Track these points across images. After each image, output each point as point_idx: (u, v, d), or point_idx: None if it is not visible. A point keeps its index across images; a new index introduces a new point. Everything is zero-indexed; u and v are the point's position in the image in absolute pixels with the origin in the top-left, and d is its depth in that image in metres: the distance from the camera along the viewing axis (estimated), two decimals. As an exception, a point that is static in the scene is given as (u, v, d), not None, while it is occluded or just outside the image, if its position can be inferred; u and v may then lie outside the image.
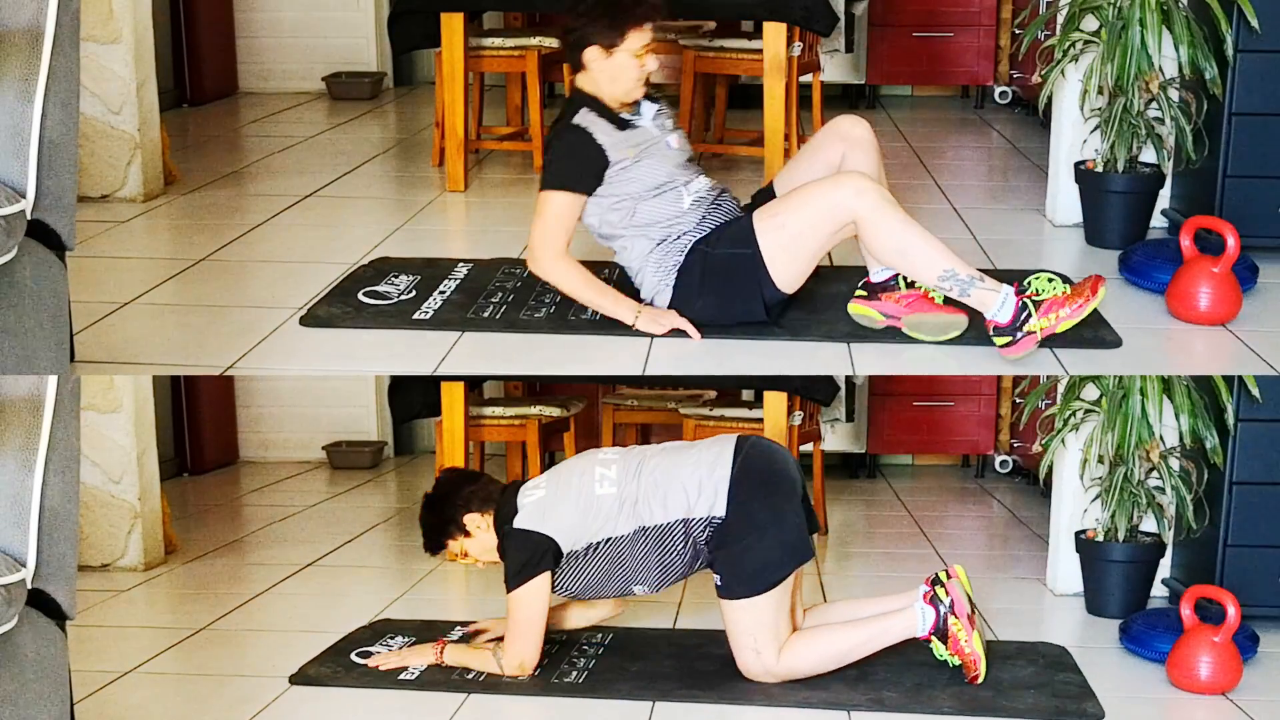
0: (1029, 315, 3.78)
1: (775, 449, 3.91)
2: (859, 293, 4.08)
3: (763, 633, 3.80)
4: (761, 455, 3.84)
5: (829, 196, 3.83)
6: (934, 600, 3.81)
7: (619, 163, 3.94)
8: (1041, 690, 3.85)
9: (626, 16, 3.92)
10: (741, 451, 3.83)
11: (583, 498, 3.85)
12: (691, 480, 3.80)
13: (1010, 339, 3.80)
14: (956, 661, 3.83)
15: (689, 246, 3.98)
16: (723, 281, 3.96)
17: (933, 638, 3.82)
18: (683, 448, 3.91)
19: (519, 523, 3.87)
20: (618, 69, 3.94)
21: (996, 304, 3.79)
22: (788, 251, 3.90)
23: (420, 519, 4.04)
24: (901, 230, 3.80)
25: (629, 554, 3.84)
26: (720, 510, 3.77)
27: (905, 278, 3.98)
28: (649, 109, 4.06)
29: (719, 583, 3.82)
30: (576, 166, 3.95)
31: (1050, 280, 3.80)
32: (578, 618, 4.19)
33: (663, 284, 4.02)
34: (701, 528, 3.79)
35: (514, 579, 3.85)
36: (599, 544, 3.84)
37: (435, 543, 4.03)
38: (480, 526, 3.95)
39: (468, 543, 3.97)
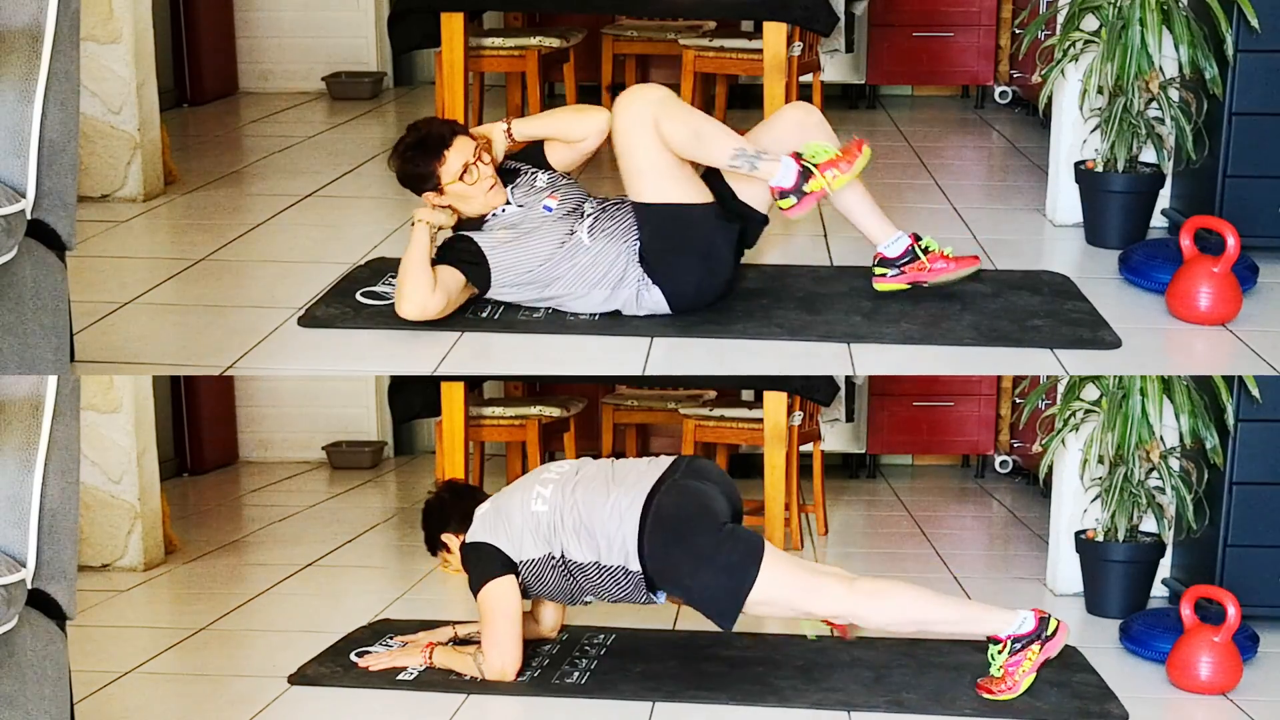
0: (810, 177, 4.02)
1: (688, 489, 3.82)
2: (878, 270, 4.25)
3: (796, 589, 3.73)
4: (671, 503, 3.79)
5: (626, 124, 3.96)
6: (1042, 621, 3.77)
7: (496, 248, 4.04)
8: (1062, 689, 3.85)
9: (432, 150, 4.05)
10: (654, 500, 3.79)
11: (522, 511, 3.91)
12: (602, 531, 3.80)
13: (794, 200, 4.05)
14: (995, 670, 3.77)
15: (635, 256, 4.05)
16: (672, 243, 4.02)
17: (1006, 642, 3.76)
18: (611, 482, 3.87)
19: (469, 537, 3.98)
20: (457, 197, 4.06)
21: (780, 172, 4.02)
22: (662, 178, 3.99)
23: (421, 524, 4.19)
24: (691, 119, 3.98)
25: (566, 572, 3.87)
26: (634, 565, 3.79)
27: (922, 247, 4.21)
28: (514, 190, 4.16)
29: (719, 625, 3.81)
30: (463, 254, 4.06)
31: (824, 149, 4.06)
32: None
33: (644, 294, 4.06)
34: (620, 574, 3.81)
35: (474, 587, 3.92)
36: (541, 559, 3.88)
37: (432, 549, 4.18)
38: (454, 547, 4.07)
39: (448, 556, 4.12)
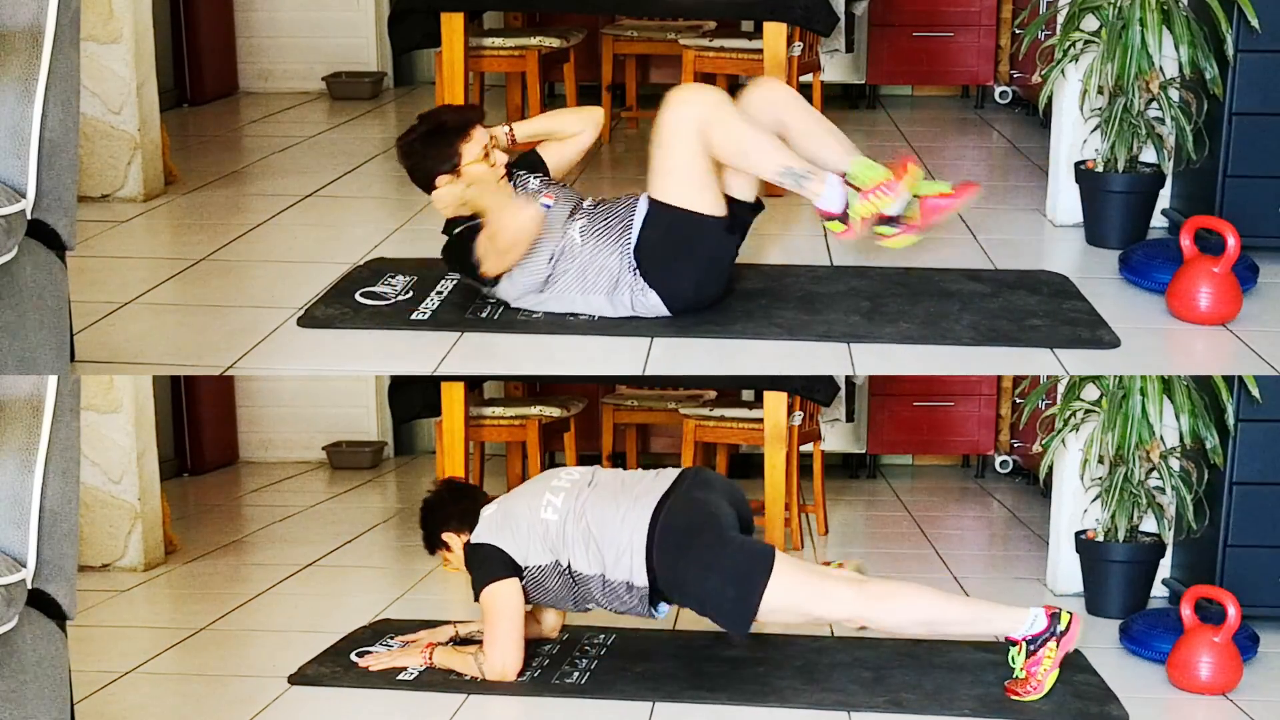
0: (853, 202, 3.97)
1: (694, 500, 3.83)
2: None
3: (806, 595, 3.70)
4: (679, 514, 3.80)
5: (675, 122, 3.95)
6: (1053, 618, 3.75)
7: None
8: (1063, 688, 3.83)
9: (452, 136, 4.07)
10: (662, 510, 3.80)
11: (530, 517, 3.90)
12: (611, 543, 3.80)
13: (844, 225, 4.00)
14: (1019, 672, 3.76)
15: (630, 263, 4.02)
16: (678, 250, 4.01)
17: (1022, 644, 3.74)
18: (621, 494, 3.86)
19: (474, 537, 3.97)
20: (474, 180, 4.05)
21: (825, 193, 3.96)
22: (690, 184, 3.97)
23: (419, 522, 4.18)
24: (740, 133, 3.94)
25: (571, 581, 3.87)
26: (639, 580, 3.78)
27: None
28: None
29: (733, 633, 3.80)
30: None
31: (870, 168, 3.97)
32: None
33: (639, 300, 4.05)
34: (624, 589, 3.81)
35: (476, 586, 3.93)
36: (547, 565, 3.88)
37: (430, 548, 4.18)
38: (456, 546, 4.07)
39: (449, 555, 4.12)
